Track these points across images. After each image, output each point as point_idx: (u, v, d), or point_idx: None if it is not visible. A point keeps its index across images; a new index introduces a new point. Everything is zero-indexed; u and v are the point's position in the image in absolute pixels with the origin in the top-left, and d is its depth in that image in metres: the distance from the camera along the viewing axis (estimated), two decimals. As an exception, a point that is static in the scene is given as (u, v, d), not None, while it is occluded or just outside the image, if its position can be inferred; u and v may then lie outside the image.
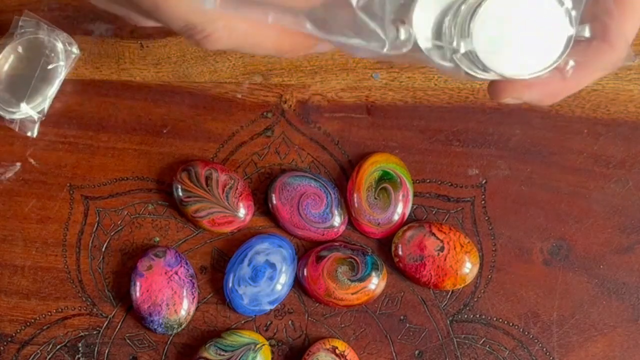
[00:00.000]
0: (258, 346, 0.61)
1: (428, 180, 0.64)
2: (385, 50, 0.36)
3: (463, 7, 0.36)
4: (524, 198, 0.64)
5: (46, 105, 0.64)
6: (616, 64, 0.38)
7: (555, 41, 0.36)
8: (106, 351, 0.63)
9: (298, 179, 0.63)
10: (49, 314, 0.63)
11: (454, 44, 0.36)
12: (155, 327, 0.61)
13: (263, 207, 0.64)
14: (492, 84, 0.40)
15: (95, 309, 0.63)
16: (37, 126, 0.64)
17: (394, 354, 0.63)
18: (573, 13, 0.36)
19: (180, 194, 0.62)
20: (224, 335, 0.62)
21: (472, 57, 0.36)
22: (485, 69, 0.37)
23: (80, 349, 0.63)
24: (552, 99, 0.40)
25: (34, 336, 0.63)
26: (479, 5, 0.36)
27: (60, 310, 0.63)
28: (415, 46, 0.37)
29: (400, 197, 0.63)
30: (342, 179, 0.64)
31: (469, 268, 0.62)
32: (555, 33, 0.36)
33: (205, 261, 0.64)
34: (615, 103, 0.65)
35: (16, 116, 0.64)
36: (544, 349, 0.62)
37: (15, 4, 0.66)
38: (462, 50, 0.36)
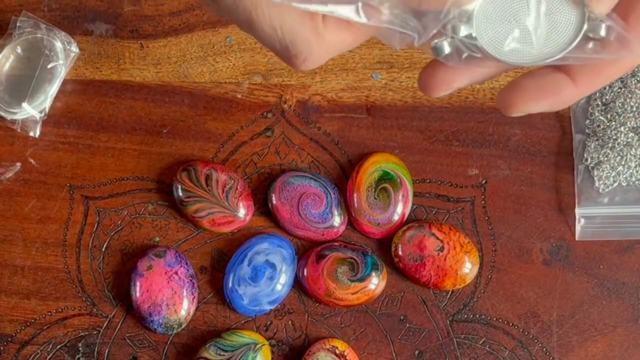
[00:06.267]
0: (258, 346, 0.61)
1: (428, 180, 0.64)
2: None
3: None
4: (524, 198, 0.64)
5: (47, 104, 0.64)
6: (630, 69, 0.37)
7: (564, 33, 0.35)
8: (106, 351, 0.63)
9: (298, 179, 0.63)
10: (49, 314, 0.63)
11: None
12: (155, 327, 0.61)
13: (263, 207, 0.64)
14: (503, 96, 0.39)
15: (95, 309, 0.63)
16: (39, 126, 0.64)
17: (394, 354, 0.63)
18: (588, 11, 0.35)
19: (180, 194, 0.62)
20: (224, 335, 0.62)
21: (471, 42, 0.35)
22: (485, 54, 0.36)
23: (80, 349, 0.63)
24: (562, 105, 0.39)
25: (34, 336, 0.63)
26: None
27: (60, 310, 0.63)
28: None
29: (400, 197, 0.63)
30: (342, 179, 0.64)
31: (468, 268, 0.61)
32: (566, 26, 0.35)
33: (205, 261, 0.64)
34: (615, 103, 0.65)
35: (18, 116, 0.64)
36: (544, 349, 0.62)
37: (15, 4, 0.66)
38: (462, 33, 0.35)
